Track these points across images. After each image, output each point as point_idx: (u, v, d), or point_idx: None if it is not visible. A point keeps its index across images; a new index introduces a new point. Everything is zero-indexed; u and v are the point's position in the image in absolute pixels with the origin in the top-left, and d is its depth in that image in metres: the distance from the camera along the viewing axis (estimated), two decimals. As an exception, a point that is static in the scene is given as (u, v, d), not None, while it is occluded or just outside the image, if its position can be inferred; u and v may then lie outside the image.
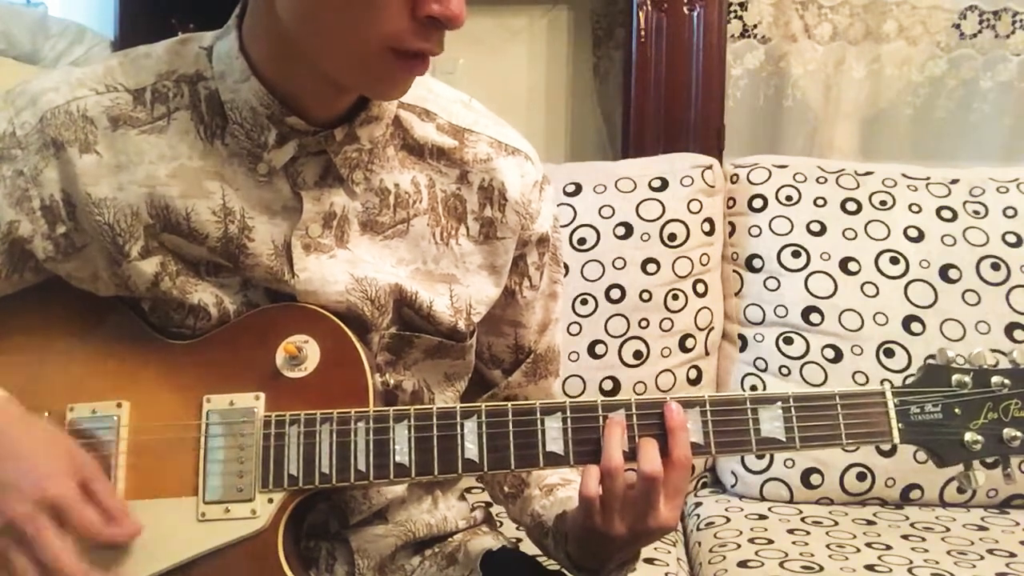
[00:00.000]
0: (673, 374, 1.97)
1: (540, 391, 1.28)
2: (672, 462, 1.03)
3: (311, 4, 0.97)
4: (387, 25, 0.94)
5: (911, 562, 1.60)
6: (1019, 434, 1.05)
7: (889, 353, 1.89)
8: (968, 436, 1.05)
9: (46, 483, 0.94)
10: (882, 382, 1.80)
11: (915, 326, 1.89)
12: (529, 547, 1.29)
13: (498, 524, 1.33)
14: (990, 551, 1.66)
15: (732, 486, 1.96)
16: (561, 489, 1.23)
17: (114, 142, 1.07)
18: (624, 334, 1.96)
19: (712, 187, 2.05)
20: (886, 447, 1.77)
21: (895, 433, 1.05)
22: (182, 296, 1.08)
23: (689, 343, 1.98)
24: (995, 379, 1.06)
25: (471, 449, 1.04)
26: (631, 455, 1.03)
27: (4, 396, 1.03)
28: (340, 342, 1.07)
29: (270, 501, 1.03)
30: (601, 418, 1.05)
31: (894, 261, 1.94)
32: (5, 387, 1.05)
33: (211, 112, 1.07)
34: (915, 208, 1.98)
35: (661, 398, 1.05)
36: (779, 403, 1.05)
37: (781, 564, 1.60)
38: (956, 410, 1.06)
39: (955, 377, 1.07)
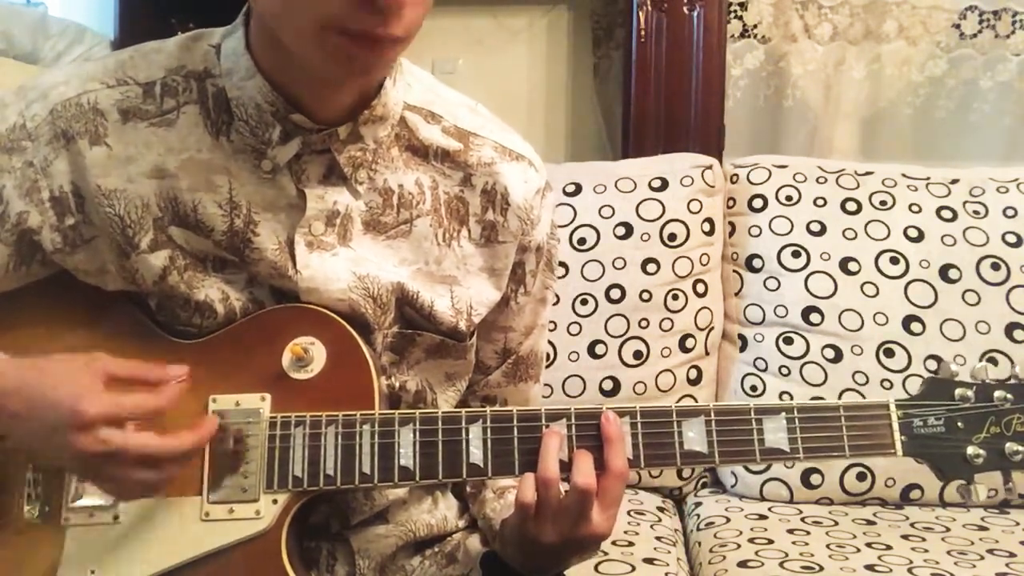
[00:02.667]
0: (673, 374, 1.97)
1: (519, 394, 1.29)
2: (609, 472, 1.04)
3: None
4: (324, 5, 0.93)
5: (911, 562, 1.60)
6: (1021, 449, 1.06)
7: (889, 353, 1.89)
8: (970, 450, 1.06)
9: (81, 408, 0.95)
10: (881, 383, 1.84)
11: (915, 326, 1.90)
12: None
13: (498, 524, 1.33)
14: (990, 551, 1.66)
15: (732, 486, 1.96)
16: (510, 493, 1.23)
17: (124, 134, 1.07)
18: (624, 334, 1.96)
19: (712, 187, 2.05)
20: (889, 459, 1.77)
21: (898, 446, 1.06)
22: (189, 291, 1.09)
23: (689, 343, 1.98)
24: (998, 394, 1.07)
25: (476, 454, 1.05)
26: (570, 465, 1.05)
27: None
28: (346, 344, 1.07)
29: (274, 502, 1.04)
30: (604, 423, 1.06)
31: (894, 261, 1.94)
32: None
33: (218, 109, 1.08)
34: (915, 208, 1.98)
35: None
36: (783, 414, 1.06)
37: (781, 564, 1.60)
38: (959, 424, 1.07)
39: (958, 391, 1.07)
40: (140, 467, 0.97)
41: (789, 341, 1.94)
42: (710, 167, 2.07)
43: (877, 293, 1.92)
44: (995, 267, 1.92)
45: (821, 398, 1.84)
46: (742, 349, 2.01)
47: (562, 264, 1.95)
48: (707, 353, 2.01)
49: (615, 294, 1.97)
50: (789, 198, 2.02)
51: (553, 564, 1.13)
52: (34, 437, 0.98)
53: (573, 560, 1.14)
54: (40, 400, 0.97)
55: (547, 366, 1.83)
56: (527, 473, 1.05)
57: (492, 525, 1.21)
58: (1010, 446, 1.06)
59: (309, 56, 0.98)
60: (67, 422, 0.95)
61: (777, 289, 1.98)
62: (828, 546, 1.67)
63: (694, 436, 1.05)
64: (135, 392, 1.00)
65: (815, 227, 1.98)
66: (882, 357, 1.89)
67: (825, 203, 2.00)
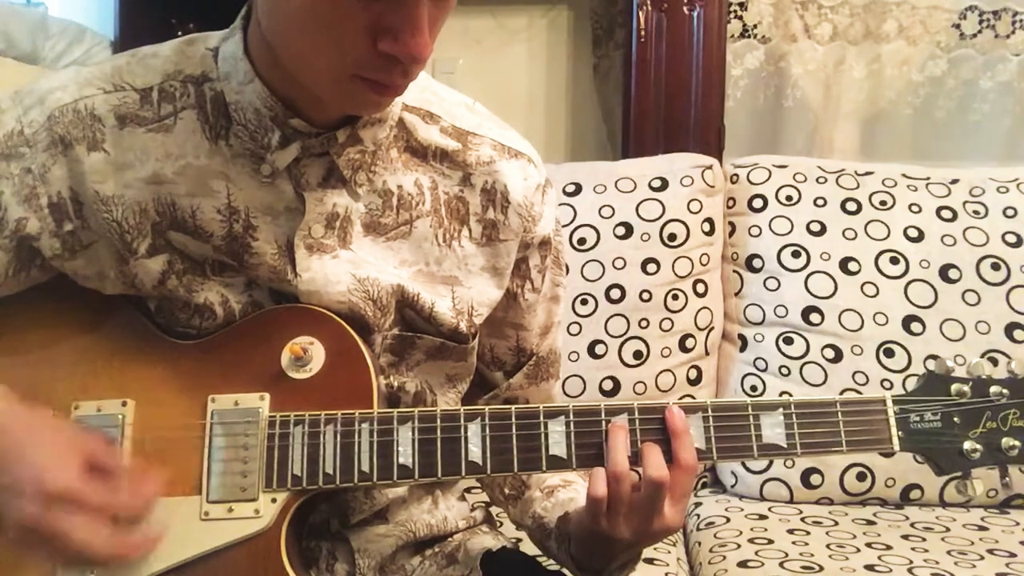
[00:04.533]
0: (673, 374, 1.97)
1: (541, 393, 1.29)
2: (678, 466, 1.03)
3: (282, 25, 0.99)
4: (348, 55, 0.94)
5: (911, 562, 1.60)
6: (1017, 443, 1.06)
7: (889, 353, 1.89)
8: (967, 445, 1.06)
9: (45, 477, 0.92)
10: (881, 382, 1.84)
11: (915, 326, 1.90)
12: (529, 547, 1.30)
13: (498, 524, 1.33)
14: (990, 551, 1.66)
15: (732, 486, 1.97)
16: (562, 491, 1.24)
17: (121, 140, 1.07)
18: (624, 334, 1.96)
19: (712, 187, 2.05)
20: (885, 455, 1.77)
21: (895, 441, 1.06)
22: (188, 295, 1.09)
23: (689, 343, 1.98)
24: (994, 389, 1.07)
25: (475, 451, 1.04)
26: (635, 459, 1.04)
27: (1, 391, 1.02)
28: (345, 344, 1.07)
29: (273, 501, 1.04)
30: (604, 422, 1.05)
31: (894, 261, 1.94)
32: (10, 385, 1.05)
33: (216, 113, 1.08)
34: (915, 208, 1.99)
35: (663, 403, 1.06)
36: (780, 409, 1.06)
37: (781, 564, 1.60)
38: (955, 419, 1.07)
39: (954, 387, 1.08)
40: (75, 554, 0.94)
41: (789, 341, 1.94)
42: (710, 167, 2.07)
43: (877, 293, 1.92)
44: (995, 267, 1.92)
45: (821, 398, 1.84)
46: (742, 349, 2.01)
47: (562, 264, 1.95)
48: (707, 353, 2.01)
49: (615, 294, 1.97)
50: (789, 198, 2.02)
51: (624, 558, 1.13)
52: None
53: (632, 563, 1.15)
54: (9, 452, 0.94)
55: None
56: (597, 468, 1.04)
57: (545, 524, 1.22)
58: (1006, 441, 1.06)
59: (327, 96, 1.01)
60: (26, 485, 0.92)
61: (777, 289, 1.98)
62: (828, 546, 1.68)
63: (692, 432, 1.05)
64: (104, 489, 0.95)
65: (815, 227, 1.99)
66: (882, 357, 1.89)
67: (825, 203, 2.00)
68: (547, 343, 1.27)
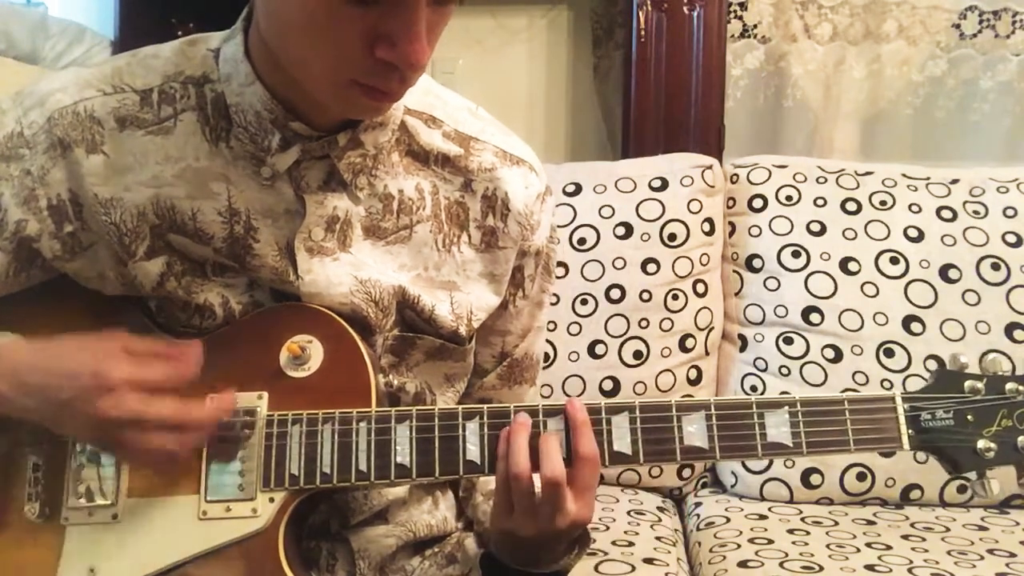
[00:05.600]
0: (673, 374, 1.96)
1: (513, 396, 1.28)
2: (578, 459, 1.03)
3: (281, 29, 0.99)
4: (345, 61, 0.95)
5: (911, 562, 1.60)
6: None
7: (889, 353, 1.88)
8: (981, 443, 1.04)
9: (102, 372, 0.95)
10: (881, 383, 1.84)
11: (915, 326, 1.89)
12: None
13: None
14: (990, 551, 1.65)
15: (732, 486, 1.96)
16: None
17: (121, 143, 1.07)
18: (624, 334, 1.96)
19: (712, 187, 2.05)
20: (886, 454, 1.76)
21: (904, 439, 1.04)
22: (187, 296, 1.09)
23: (689, 343, 1.98)
24: (1009, 386, 1.05)
25: (472, 450, 1.04)
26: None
27: (13, 338, 1.04)
28: (344, 343, 1.07)
29: (271, 500, 1.04)
30: (605, 420, 1.05)
31: (894, 261, 1.94)
32: None
33: (216, 115, 1.08)
34: (915, 208, 1.98)
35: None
36: (786, 408, 1.05)
37: (781, 564, 1.60)
38: (969, 416, 1.04)
39: (968, 383, 1.06)
40: (160, 433, 0.97)
41: (789, 341, 1.94)
42: (710, 167, 2.06)
43: (877, 293, 1.92)
44: (995, 267, 1.92)
45: (821, 398, 1.84)
46: (742, 349, 2.01)
47: (562, 264, 1.95)
48: (707, 353, 2.01)
49: (615, 294, 1.97)
50: (789, 198, 2.02)
51: (543, 555, 1.12)
52: (55, 408, 0.97)
53: (562, 550, 1.13)
54: (60, 370, 0.97)
55: (547, 366, 1.84)
56: (498, 470, 1.04)
57: (486, 527, 1.22)
58: (1023, 439, 1.04)
59: (325, 100, 1.01)
60: (89, 387, 0.95)
61: (777, 289, 1.97)
62: (828, 546, 1.67)
63: (694, 431, 1.04)
64: (157, 363, 0.99)
65: (815, 227, 1.98)
66: (882, 357, 1.88)
67: (825, 203, 2.00)
68: (523, 346, 1.27)
